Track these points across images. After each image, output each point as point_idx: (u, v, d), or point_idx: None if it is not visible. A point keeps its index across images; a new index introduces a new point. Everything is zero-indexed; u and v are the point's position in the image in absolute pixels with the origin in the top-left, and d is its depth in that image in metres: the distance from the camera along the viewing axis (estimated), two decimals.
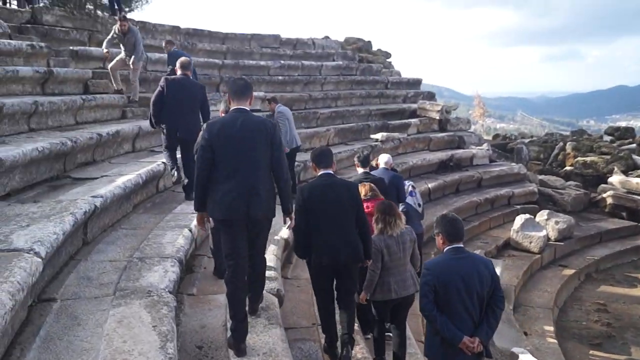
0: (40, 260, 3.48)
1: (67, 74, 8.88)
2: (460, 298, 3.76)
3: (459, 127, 16.28)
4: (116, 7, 13.01)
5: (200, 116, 6.59)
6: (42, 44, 9.03)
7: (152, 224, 5.73)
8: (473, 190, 13.17)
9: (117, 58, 9.73)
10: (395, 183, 6.78)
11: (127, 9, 24.12)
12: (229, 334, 3.79)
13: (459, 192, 12.93)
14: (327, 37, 19.01)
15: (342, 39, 19.58)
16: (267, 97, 10.53)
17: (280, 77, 14.62)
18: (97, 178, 6.12)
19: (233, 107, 3.93)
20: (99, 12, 13.73)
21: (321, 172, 4.50)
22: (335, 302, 4.60)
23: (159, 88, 6.39)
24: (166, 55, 10.38)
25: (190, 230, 5.49)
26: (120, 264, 4.46)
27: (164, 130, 6.47)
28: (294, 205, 4.22)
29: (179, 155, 6.69)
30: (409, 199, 7.22)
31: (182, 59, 6.84)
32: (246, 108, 3.89)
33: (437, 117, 15.78)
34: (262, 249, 4.11)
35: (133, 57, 9.53)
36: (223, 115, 5.07)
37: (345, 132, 13.32)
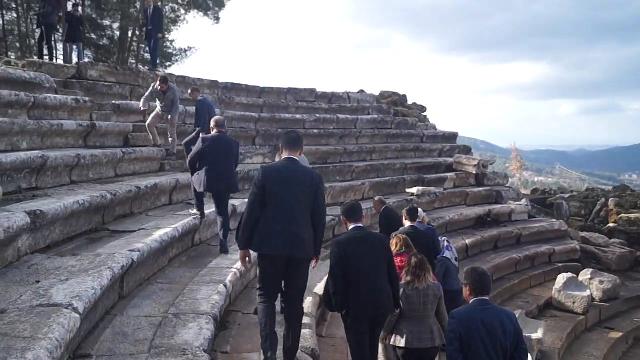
0: (78, 316, 3.49)
1: (109, 127, 9.21)
2: (484, 347, 3.84)
3: (496, 182, 16.04)
4: (158, 62, 13.53)
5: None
6: (86, 99, 9.43)
7: (187, 278, 5.72)
8: (512, 247, 12.81)
9: (154, 114, 9.98)
10: (431, 236, 7.02)
11: (167, 64, 25.21)
12: None
13: (498, 249, 12.60)
14: (362, 91, 19.26)
15: (377, 93, 19.77)
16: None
17: (315, 131, 14.79)
18: (135, 231, 6.19)
19: (284, 156, 4.36)
20: (140, 67, 14.34)
21: (352, 225, 4.69)
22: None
23: (198, 145, 6.71)
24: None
25: (225, 286, 5.46)
26: (155, 319, 4.44)
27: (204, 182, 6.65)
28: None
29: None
30: (447, 254, 7.28)
31: (217, 117, 7.30)
32: (296, 158, 4.30)
33: (474, 172, 15.60)
34: (301, 293, 4.34)
35: (172, 114, 9.84)
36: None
37: (381, 186, 13.26)
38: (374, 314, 4.51)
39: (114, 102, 10.55)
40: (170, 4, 26.56)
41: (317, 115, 15.47)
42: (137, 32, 24.08)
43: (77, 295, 3.71)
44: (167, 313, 4.58)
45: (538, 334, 8.05)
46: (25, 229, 4.72)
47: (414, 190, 13.03)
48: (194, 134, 8.53)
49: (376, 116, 17.37)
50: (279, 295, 4.40)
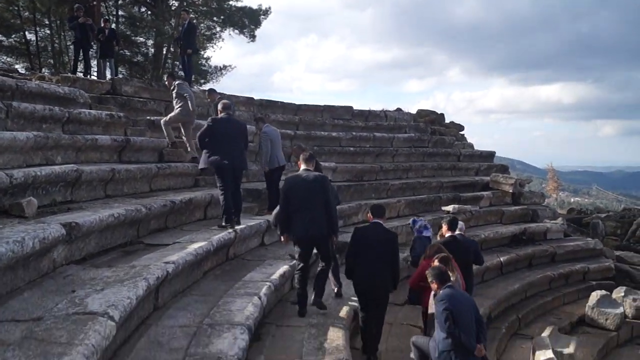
0: (114, 324, 3.45)
1: (143, 142, 9.23)
2: (469, 319, 5.16)
3: (532, 201, 15.66)
4: (192, 78, 13.63)
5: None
6: (121, 114, 9.49)
7: (221, 291, 5.66)
8: (547, 265, 12.69)
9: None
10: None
11: (202, 81, 25.60)
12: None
13: (532, 267, 12.46)
14: (399, 110, 19.12)
15: (414, 112, 19.63)
16: (256, 115, 10.42)
17: (351, 148, 14.71)
18: (170, 245, 6.18)
19: (302, 167, 6.22)
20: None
21: (374, 220, 6.26)
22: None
23: (207, 123, 7.45)
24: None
25: (260, 298, 5.37)
26: (190, 329, 4.37)
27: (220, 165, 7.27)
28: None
29: None
30: (426, 233, 8.08)
31: (224, 101, 8.02)
32: (311, 169, 6.10)
33: (510, 190, 15.26)
34: (327, 255, 6.08)
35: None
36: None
37: (416, 204, 13.04)
38: (371, 288, 6.09)
39: (148, 117, 10.59)
40: (207, 22, 27.09)
41: (354, 133, 15.40)
42: (172, 49, 24.57)
43: (112, 304, 3.68)
44: (201, 323, 4.51)
45: (569, 349, 8.07)
46: (61, 240, 4.74)
47: (450, 208, 12.78)
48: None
49: (413, 134, 17.20)
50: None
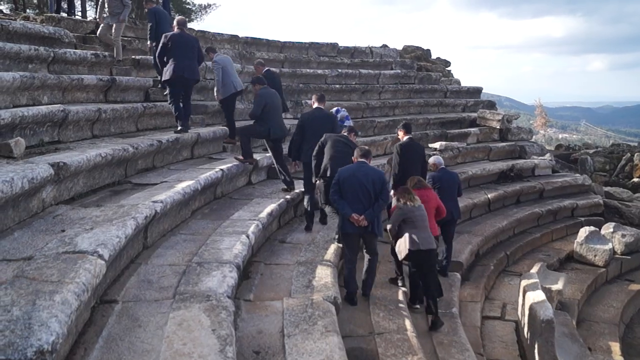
0: (103, 262, 3.53)
1: (129, 82, 9.15)
2: (355, 190, 5.85)
3: (520, 137, 15.72)
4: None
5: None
6: (106, 53, 9.38)
7: (210, 229, 5.77)
8: (535, 202, 12.68)
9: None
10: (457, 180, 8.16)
11: (186, 19, 24.91)
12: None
13: (520, 203, 12.48)
14: (385, 46, 18.81)
15: (400, 48, 19.32)
16: (206, 47, 10.05)
17: (337, 86, 14.59)
18: (157, 184, 6.22)
19: (315, 106, 7.43)
20: None
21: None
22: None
23: (162, 41, 8.08)
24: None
25: (248, 237, 5.48)
26: (179, 268, 4.49)
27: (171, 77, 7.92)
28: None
29: None
30: (347, 122, 8.75)
31: (178, 17, 8.61)
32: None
33: (498, 127, 15.29)
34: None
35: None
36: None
37: None
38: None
39: (133, 57, 10.45)
40: None
41: (339, 71, 15.23)
42: None
43: (102, 243, 3.75)
44: (190, 262, 4.63)
45: (558, 285, 8.09)
46: (49, 180, 4.76)
47: (437, 145, 12.86)
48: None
49: (399, 71, 17.03)
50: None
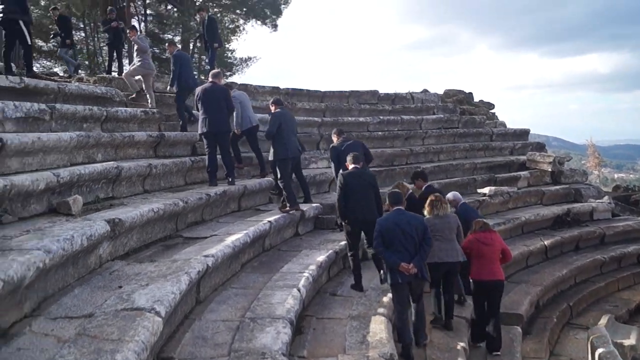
0: (160, 319, 3.53)
1: (177, 137, 9.40)
2: (399, 240, 5.81)
3: (574, 179, 15.19)
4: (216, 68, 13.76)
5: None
6: (154, 110, 9.71)
7: (260, 283, 5.73)
8: (595, 248, 11.98)
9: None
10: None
11: (228, 73, 25.86)
12: None
13: (579, 250, 11.82)
14: (425, 91, 18.83)
15: (441, 92, 19.28)
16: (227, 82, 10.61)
17: (379, 133, 14.59)
18: (207, 237, 6.27)
19: (351, 166, 6.98)
20: (202, 78, 14.55)
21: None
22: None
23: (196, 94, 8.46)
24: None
25: (299, 290, 5.41)
26: (232, 324, 4.44)
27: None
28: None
29: None
30: None
31: (214, 70, 9.16)
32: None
33: (549, 169, 14.84)
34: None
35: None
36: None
37: (450, 187, 12.75)
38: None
39: None
40: (230, 15, 27.32)
41: (381, 117, 15.25)
42: (198, 44, 24.87)
43: (158, 300, 3.76)
44: (243, 317, 4.58)
45: (630, 340, 7.51)
46: (106, 237, 4.87)
47: (486, 190, 12.52)
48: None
49: (442, 115, 16.94)
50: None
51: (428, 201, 6.81)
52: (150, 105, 10.18)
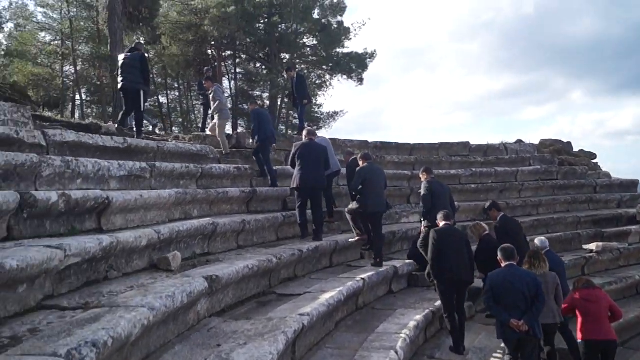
0: None
1: (269, 192, 9.55)
2: (510, 295, 5.74)
3: None
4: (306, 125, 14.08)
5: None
6: (246, 166, 9.95)
7: (356, 343, 5.52)
8: None
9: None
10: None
11: (315, 127, 26.65)
12: None
13: None
14: (520, 141, 18.17)
15: (535, 142, 18.54)
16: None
17: (472, 186, 14.13)
18: (301, 295, 6.19)
19: (443, 223, 6.95)
20: (290, 133, 14.98)
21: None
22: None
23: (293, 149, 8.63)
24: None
25: (397, 352, 5.15)
26: None
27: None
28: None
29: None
30: None
31: (308, 128, 9.35)
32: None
33: None
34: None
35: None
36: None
37: (552, 242, 11.94)
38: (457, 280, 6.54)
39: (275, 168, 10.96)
40: (317, 71, 28.30)
41: (473, 170, 14.80)
42: (285, 100, 25.85)
43: None
44: None
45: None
46: (204, 294, 4.92)
47: (593, 246, 11.63)
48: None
49: (539, 167, 16.18)
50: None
51: (527, 257, 6.70)
52: (224, 152, 10.57)
